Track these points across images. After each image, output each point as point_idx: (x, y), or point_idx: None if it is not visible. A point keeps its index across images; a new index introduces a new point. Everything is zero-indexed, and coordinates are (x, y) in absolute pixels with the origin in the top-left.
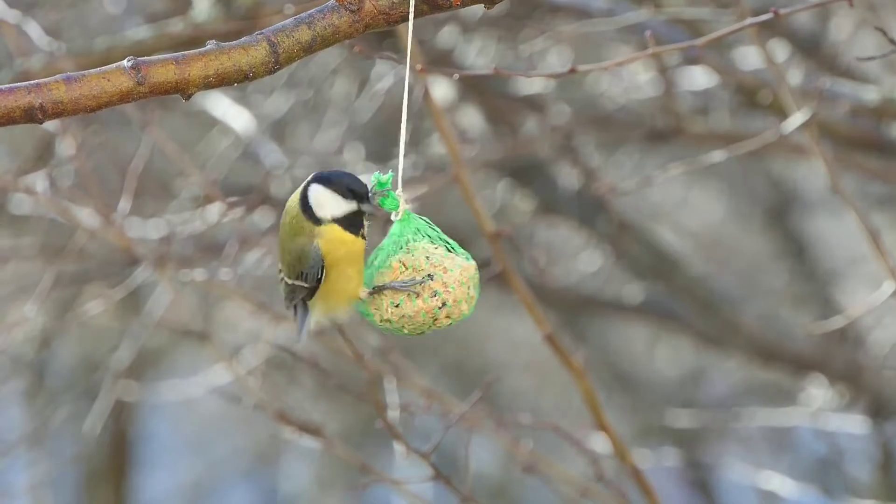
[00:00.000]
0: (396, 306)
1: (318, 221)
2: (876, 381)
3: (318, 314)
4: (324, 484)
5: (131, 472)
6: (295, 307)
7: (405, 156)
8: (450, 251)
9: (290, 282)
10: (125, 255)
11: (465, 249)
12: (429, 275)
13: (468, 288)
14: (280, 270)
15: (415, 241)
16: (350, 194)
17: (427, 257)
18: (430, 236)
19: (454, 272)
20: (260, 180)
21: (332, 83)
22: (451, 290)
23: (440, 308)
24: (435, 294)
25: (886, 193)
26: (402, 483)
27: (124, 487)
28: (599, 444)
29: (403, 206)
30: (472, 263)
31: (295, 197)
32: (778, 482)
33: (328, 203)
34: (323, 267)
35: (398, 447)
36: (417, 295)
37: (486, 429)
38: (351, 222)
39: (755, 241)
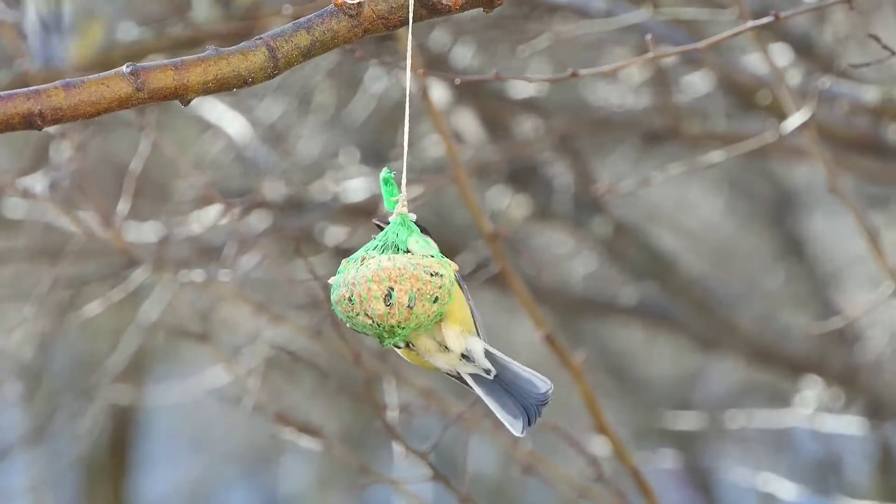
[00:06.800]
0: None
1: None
2: (873, 382)
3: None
4: (324, 484)
5: (131, 472)
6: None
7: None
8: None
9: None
10: (123, 256)
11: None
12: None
13: (377, 284)
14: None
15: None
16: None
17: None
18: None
19: (367, 269)
20: (254, 183)
21: (325, 86)
22: (356, 284)
23: (348, 301)
24: (343, 284)
25: (884, 194)
26: (402, 483)
27: (124, 487)
28: (599, 444)
29: (400, 209)
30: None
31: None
32: (776, 483)
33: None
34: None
35: (397, 447)
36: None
37: (485, 429)
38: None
39: (753, 241)
